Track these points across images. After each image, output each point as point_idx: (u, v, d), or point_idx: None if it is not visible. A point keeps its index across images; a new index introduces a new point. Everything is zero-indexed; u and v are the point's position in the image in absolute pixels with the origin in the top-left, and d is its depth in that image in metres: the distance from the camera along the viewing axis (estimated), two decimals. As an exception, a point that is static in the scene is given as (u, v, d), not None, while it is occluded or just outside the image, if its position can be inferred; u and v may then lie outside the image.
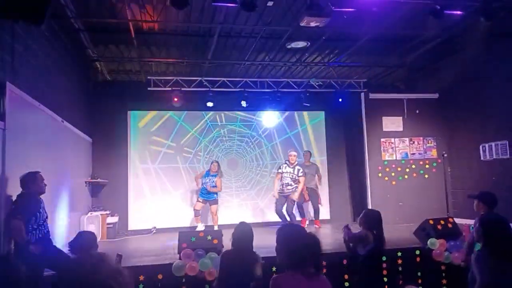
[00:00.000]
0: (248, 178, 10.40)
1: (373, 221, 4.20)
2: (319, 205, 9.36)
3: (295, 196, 8.21)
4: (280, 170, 8.45)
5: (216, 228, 8.29)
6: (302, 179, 8.31)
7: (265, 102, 9.96)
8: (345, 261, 5.52)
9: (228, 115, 10.49)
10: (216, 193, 8.79)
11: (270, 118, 10.54)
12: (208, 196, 8.71)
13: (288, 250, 2.52)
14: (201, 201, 8.74)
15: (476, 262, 3.01)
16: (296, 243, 2.52)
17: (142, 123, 10.00)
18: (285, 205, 8.31)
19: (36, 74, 5.69)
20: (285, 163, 8.48)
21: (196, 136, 10.25)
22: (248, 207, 10.28)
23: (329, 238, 7.39)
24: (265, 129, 10.62)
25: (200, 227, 8.56)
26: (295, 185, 8.29)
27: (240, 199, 10.29)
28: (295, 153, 8.46)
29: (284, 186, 8.31)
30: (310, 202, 9.41)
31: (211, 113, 10.31)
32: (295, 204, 8.52)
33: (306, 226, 9.18)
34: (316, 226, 9.09)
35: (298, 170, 8.32)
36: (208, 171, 8.82)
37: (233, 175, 10.33)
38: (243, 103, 9.57)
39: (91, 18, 7.27)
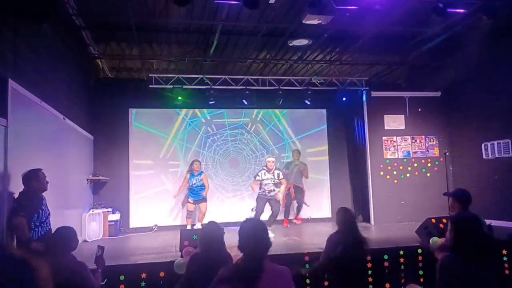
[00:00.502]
0: (251, 170, 10.38)
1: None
2: (304, 204, 9.51)
3: (279, 197, 7.84)
4: (258, 178, 7.93)
5: (198, 225, 8.61)
6: (284, 181, 7.98)
7: (266, 100, 9.93)
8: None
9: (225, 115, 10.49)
10: (201, 191, 8.86)
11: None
12: (197, 195, 8.81)
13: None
14: (192, 202, 8.84)
15: (442, 266, 2.86)
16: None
17: (144, 121, 9.98)
18: (271, 207, 7.87)
19: (38, 71, 5.69)
20: (263, 169, 7.98)
21: (198, 133, 10.23)
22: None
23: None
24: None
25: (189, 227, 8.64)
26: (278, 189, 7.91)
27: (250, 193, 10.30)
28: (273, 159, 8.02)
29: (267, 192, 7.85)
30: (295, 199, 9.51)
31: (207, 115, 10.30)
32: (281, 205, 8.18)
33: (287, 226, 9.29)
34: (297, 221, 9.38)
35: (278, 174, 7.92)
36: (192, 172, 8.90)
37: (237, 173, 10.34)
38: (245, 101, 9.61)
39: (93, 16, 7.27)
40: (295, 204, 9.65)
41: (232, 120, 10.47)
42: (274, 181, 7.85)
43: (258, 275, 2.31)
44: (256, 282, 2.29)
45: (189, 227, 8.68)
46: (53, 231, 4.63)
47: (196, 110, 10.22)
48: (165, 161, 10.00)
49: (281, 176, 7.94)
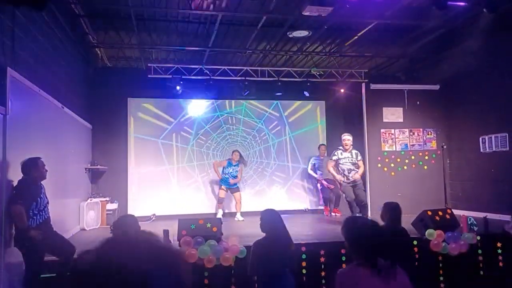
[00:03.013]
0: (253, 169, 10.41)
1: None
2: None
3: (358, 176, 7.58)
4: (335, 157, 7.77)
5: (239, 215, 8.76)
6: (361, 163, 7.73)
7: (265, 90, 9.93)
8: (343, 251, 5.56)
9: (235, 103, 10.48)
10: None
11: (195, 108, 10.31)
12: (230, 184, 8.95)
13: (352, 240, 2.46)
14: (225, 189, 8.98)
15: None
16: (360, 234, 2.43)
17: (142, 110, 9.98)
18: (356, 194, 7.58)
19: (37, 59, 5.67)
20: (339, 148, 7.83)
21: (199, 123, 10.23)
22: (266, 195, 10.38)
23: (328, 228, 7.46)
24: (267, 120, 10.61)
25: (220, 214, 8.77)
26: (357, 170, 7.65)
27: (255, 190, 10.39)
28: (349, 137, 7.75)
29: (347, 172, 7.61)
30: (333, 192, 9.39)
31: (217, 101, 10.29)
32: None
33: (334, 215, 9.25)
34: (337, 214, 9.13)
35: (357, 154, 7.71)
36: (230, 161, 9.00)
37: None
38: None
39: (92, 4, 7.22)
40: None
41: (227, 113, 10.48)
42: (352, 160, 7.62)
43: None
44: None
45: (220, 214, 8.78)
46: (51, 219, 4.69)
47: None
48: (163, 150, 10.01)
49: (359, 157, 7.73)
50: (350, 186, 7.62)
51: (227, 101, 10.40)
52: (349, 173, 7.57)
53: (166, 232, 4.10)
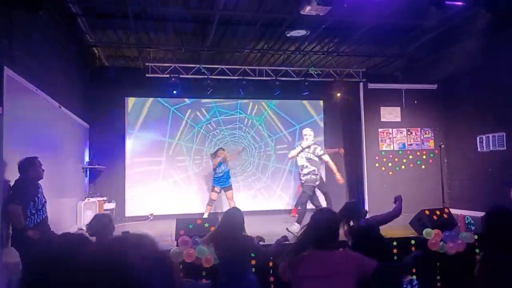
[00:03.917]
0: (254, 164, 10.40)
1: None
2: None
3: (340, 179, 7.32)
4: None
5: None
6: (326, 157, 7.28)
7: (263, 90, 9.92)
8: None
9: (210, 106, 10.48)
10: (229, 178, 8.81)
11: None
12: (223, 183, 8.72)
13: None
14: (218, 190, 8.73)
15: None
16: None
17: (139, 110, 9.96)
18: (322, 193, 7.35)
19: (34, 59, 5.64)
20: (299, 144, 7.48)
21: (191, 125, 10.22)
22: (264, 195, 10.34)
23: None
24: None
25: (206, 215, 8.52)
26: (313, 168, 7.09)
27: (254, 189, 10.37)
28: (309, 133, 7.33)
29: (300, 169, 7.20)
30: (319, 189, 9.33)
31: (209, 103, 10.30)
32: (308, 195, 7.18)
33: (296, 216, 9.15)
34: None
35: (315, 148, 7.19)
36: (221, 162, 8.76)
37: (238, 167, 10.28)
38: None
39: (89, 3, 7.19)
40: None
41: (227, 114, 10.47)
42: (307, 155, 7.13)
43: None
44: None
45: (206, 215, 8.52)
46: (49, 219, 4.67)
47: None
48: (161, 149, 10.00)
49: (320, 151, 7.20)
50: (312, 186, 7.15)
51: (251, 103, 10.48)
52: (301, 169, 7.13)
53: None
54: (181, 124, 10.19)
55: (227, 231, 3.90)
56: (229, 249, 3.82)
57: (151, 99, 10.02)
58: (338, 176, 7.28)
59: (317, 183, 7.17)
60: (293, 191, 10.34)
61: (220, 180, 8.73)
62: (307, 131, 7.39)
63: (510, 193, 4.72)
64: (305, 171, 7.08)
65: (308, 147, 7.20)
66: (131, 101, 9.93)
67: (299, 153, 7.25)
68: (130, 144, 9.83)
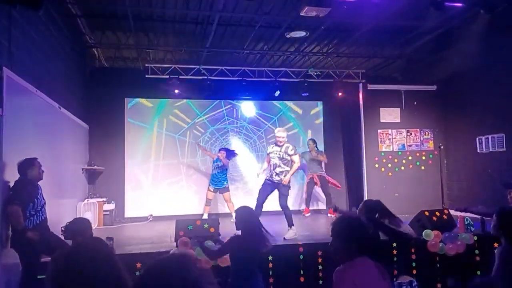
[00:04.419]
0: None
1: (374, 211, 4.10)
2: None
3: (286, 180, 6.56)
4: (268, 151, 6.98)
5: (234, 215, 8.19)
6: (296, 158, 6.71)
7: (263, 90, 9.93)
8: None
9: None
10: (226, 181, 8.83)
11: (248, 109, 10.41)
12: (218, 184, 8.72)
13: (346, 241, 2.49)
14: (212, 190, 8.76)
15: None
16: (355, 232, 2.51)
17: (139, 111, 9.96)
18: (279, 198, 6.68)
19: (33, 59, 5.64)
20: (273, 144, 6.95)
21: (192, 125, 10.23)
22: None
23: (325, 228, 7.45)
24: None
25: (205, 215, 8.54)
26: (286, 168, 6.62)
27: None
28: (282, 134, 6.80)
29: (272, 168, 6.67)
30: (321, 190, 9.34)
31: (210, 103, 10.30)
32: (287, 197, 6.71)
33: (308, 215, 9.20)
34: (331, 215, 8.73)
35: (287, 147, 6.67)
36: (218, 158, 8.77)
37: (237, 166, 10.27)
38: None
39: (89, 4, 7.20)
40: (315, 195, 9.63)
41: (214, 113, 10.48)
42: (279, 154, 6.66)
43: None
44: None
45: (205, 215, 8.54)
46: (48, 220, 4.66)
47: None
48: (160, 150, 10.00)
49: (290, 151, 6.65)
50: (270, 185, 6.69)
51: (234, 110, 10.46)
52: (274, 168, 6.64)
53: (110, 239, 4.16)
54: (182, 124, 10.18)
55: (246, 229, 3.93)
56: (244, 249, 3.85)
57: (151, 99, 10.00)
58: (286, 178, 6.61)
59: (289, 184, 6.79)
60: (297, 192, 10.28)
61: (213, 180, 8.76)
62: (279, 133, 6.83)
63: (508, 195, 4.78)
64: (278, 170, 6.62)
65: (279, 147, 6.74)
66: (130, 102, 9.93)
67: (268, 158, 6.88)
68: (130, 145, 9.82)
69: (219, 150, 8.97)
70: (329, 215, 9.04)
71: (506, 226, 3.19)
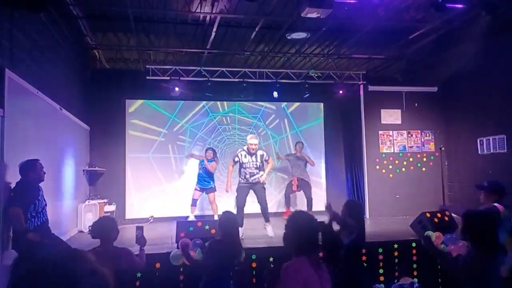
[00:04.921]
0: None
1: (355, 211, 4.12)
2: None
3: (263, 179, 6.83)
4: (237, 159, 6.93)
5: (216, 217, 8.13)
6: (271, 160, 7.05)
7: (264, 92, 9.94)
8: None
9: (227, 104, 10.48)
10: (213, 181, 8.74)
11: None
12: (204, 184, 8.66)
13: (298, 236, 2.54)
14: (199, 189, 8.68)
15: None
16: (308, 229, 2.57)
17: (139, 112, 9.96)
18: (257, 197, 6.94)
19: (35, 61, 5.65)
20: (243, 150, 6.95)
21: (194, 127, 10.23)
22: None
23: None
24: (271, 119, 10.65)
25: (192, 217, 8.48)
26: (262, 173, 6.89)
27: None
28: (255, 141, 6.87)
29: (248, 176, 6.83)
30: (303, 192, 9.23)
31: (211, 102, 10.30)
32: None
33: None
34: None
35: (262, 155, 6.88)
36: (203, 159, 8.68)
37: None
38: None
39: (90, 5, 7.20)
40: (297, 198, 9.59)
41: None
42: (256, 164, 6.82)
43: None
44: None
45: (191, 216, 8.51)
46: (49, 221, 4.66)
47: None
48: (161, 152, 10.00)
49: (265, 157, 6.93)
50: (247, 187, 6.87)
51: (219, 102, 10.41)
52: (250, 176, 6.82)
53: (140, 228, 4.17)
54: (183, 125, 10.19)
55: (226, 236, 3.92)
56: (221, 255, 3.82)
57: (152, 101, 10.01)
58: (263, 177, 6.88)
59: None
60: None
61: (199, 180, 8.69)
62: (252, 140, 6.87)
63: (480, 197, 4.82)
64: (255, 177, 6.82)
65: (252, 155, 6.85)
66: (131, 103, 9.93)
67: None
68: (131, 146, 9.82)
69: (206, 150, 8.84)
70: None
71: (470, 230, 2.98)
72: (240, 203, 6.77)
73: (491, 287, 2.79)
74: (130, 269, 3.79)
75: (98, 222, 3.70)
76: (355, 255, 4.06)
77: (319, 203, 10.35)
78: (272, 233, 6.70)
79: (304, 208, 9.76)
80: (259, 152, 6.91)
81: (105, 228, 3.55)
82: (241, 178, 6.91)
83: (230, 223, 3.99)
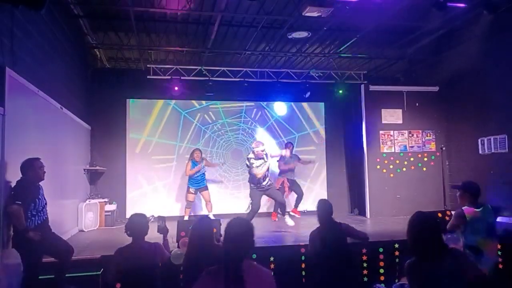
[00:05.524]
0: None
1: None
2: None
3: (262, 171, 6.93)
4: (248, 164, 7.08)
5: (211, 215, 8.12)
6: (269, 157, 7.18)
7: (266, 92, 9.94)
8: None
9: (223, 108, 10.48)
10: (205, 180, 8.79)
11: (280, 108, 10.47)
12: (198, 184, 8.68)
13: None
14: (193, 191, 8.71)
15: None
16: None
17: (140, 112, 9.96)
18: (273, 198, 7.44)
19: (35, 59, 5.64)
20: (252, 157, 7.07)
21: (198, 126, 10.23)
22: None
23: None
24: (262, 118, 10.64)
25: (186, 217, 8.51)
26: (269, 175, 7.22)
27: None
28: (262, 148, 7.00)
29: (261, 180, 7.00)
30: (293, 191, 9.18)
31: (209, 104, 10.31)
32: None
33: (276, 220, 8.97)
34: (295, 215, 8.53)
35: (266, 154, 7.06)
36: (194, 161, 8.64)
37: (239, 165, 10.28)
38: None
39: (91, 4, 7.20)
40: (290, 196, 9.57)
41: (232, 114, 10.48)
42: (266, 163, 7.03)
43: (237, 277, 2.23)
44: (236, 284, 2.21)
45: (186, 217, 8.57)
46: (49, 220, 4.65)
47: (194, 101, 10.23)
48: (162, 152, 10.00)
49: (270, 157, 7.20)
50: (260, 192, 7.06)
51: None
52: (263, 180, 7.01)
53: (162, 219, 4.18)
54: (182, 125, 10.18)
55: (198, 240, 3.80)
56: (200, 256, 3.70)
57: (154, 101, 10.01)
58: (262, 170, 7.01)
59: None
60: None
61: (195, 181, 8.69)
62: (260, 147, 6.98)
63: (457, 197, 4.81)
64: (267, 179, 7.08)
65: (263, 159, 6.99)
66: (132, 103, 9.93)
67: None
68: (131, 145, 9.82)
69: (194, 150, 8.82)
70: (292, 214, 8.41)
71: (411, 236, 2.86)
72: (256, 208, 7.01)
73: None
74: (163, 262, 3.90)
75: (130, 219, 3.82)
76: None
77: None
78: (292, 222, 7.29)
79: (303, 208, 9.79)
80: (263, 153, 7.05)
81: (138, 225, 3.71)
82: (253, 183, 7.04)
83: (200, 231, 3.83)
